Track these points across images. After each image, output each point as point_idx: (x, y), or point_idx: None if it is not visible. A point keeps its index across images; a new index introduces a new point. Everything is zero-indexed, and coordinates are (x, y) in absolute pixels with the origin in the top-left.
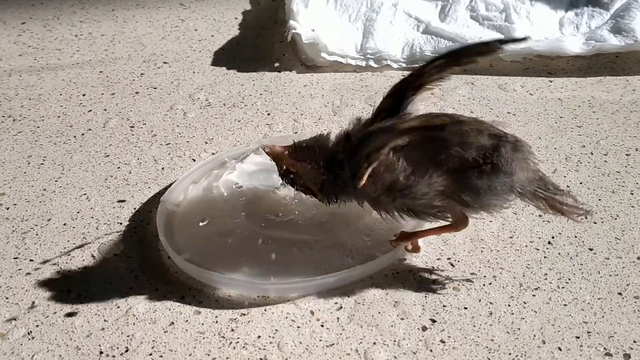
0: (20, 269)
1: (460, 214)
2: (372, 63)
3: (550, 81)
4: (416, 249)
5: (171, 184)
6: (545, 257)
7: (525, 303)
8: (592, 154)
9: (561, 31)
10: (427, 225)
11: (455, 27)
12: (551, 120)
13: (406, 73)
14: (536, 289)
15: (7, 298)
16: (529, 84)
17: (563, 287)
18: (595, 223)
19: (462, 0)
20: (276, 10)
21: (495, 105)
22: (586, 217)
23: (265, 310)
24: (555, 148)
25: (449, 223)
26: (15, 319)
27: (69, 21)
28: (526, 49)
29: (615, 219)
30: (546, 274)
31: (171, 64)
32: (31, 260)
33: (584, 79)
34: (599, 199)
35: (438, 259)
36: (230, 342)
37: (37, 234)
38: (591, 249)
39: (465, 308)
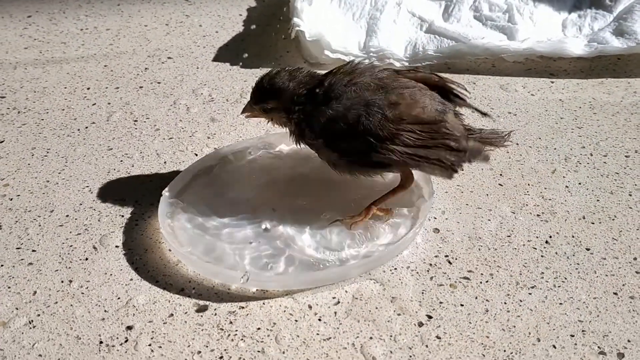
0: (22, 259)
1: (408, 171)
2: (375, 61)
3: (552, 82)
4: (386, 212)
5: (173, 178)
6: (542, 256)
7: (521, 301)
8: (591, 155)
9: (564, 32)
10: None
11: (458, 27)
12: (552, 121)
13: None
14: (532, 287)
15: (9, 287)
16: (530, 85)
17: (559, 286)
18: (592, 223)
19: (465, 0)
20: (280, 8)
21: (496, 105)
22: (509, 139)
23: (263, 303)
24: (555, 148)
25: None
26: (17, 308)
27: (74, 15)
28: (528, 49)
29: (613, 219)
30: (543, 272)
31: (175, 59)
32: (33, 250)
33: (585, 80)
34: (597, 200)
35: (436, 256)
36: (229, 335)
37: (39, 225)
38: (588, 249)
39: (462, 305)
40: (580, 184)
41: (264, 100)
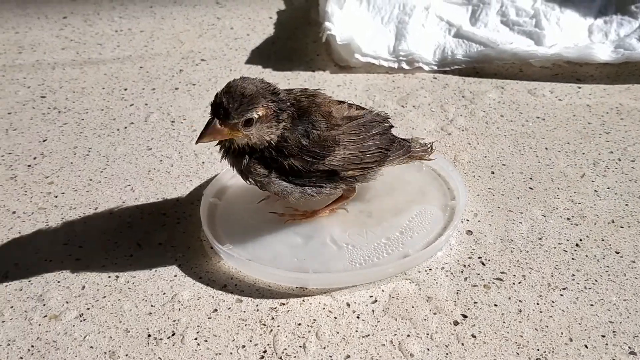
0: (70, 255)
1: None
2: (404, 65)
3: (579, 87)
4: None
5: (212, 178)
6: (572, 258)
7: (553, 302)
8: (619, 160)
9: (590, 38)
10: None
11: (486, 32)
12: (579, 126)
13: (438, 75)
14: (564, 289)
15: (58, 282)
16: (557, 90)
17: (590, 288)
18: (622, 227)
19: (492, 5)
20: (309, 11)
21: (524, 109)
22: (432, 150)
23: (303, 300)
24: (583, 153)
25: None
26: (67, 302)
27: (108, 17)
28: (556, 55)
29: None
30: (574, 275)
31: (209, 62)
32: (80, 246)
33: (612, 86)
34: (626, 204)
35: (469, 258)
36: (271, 330)
37: (85, 222)
38: (617, 252)
39: (496, 305)
40: (609, 188)
41: (253, 109)
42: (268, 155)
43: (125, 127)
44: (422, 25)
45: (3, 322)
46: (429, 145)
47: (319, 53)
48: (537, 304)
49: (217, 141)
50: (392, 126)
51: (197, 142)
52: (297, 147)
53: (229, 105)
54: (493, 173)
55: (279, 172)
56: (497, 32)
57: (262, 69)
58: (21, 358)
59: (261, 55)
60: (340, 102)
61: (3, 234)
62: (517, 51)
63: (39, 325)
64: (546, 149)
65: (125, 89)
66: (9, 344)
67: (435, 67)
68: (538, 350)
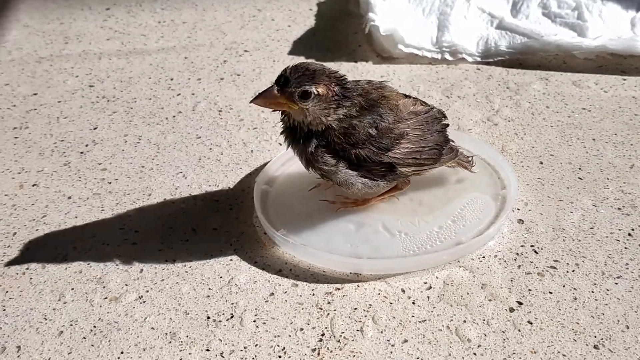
0: (126, 239)
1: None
2: (447, 56)
3: (624, 79)
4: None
5: (262, 165)
6: (625, 247)
7: (608, 290)
8: None
9: (633, 31)
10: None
11: (528, 24)
12: (626, 118)
13: (481, 67)
14: (618, 277)
15: (117, 265)
16: (602, 82)
17: None
18: None
19: None
20: (348, 3)
21: (570, 101)
22: (473, 164)
23: (358, 286)
24: (631, 144)
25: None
26: (127, 284)
27: (151, 8)
28: (600, 46)
29: None
30: (627, 263)
31: (252, 53)
32: (136, 231)
33: None
34: None
35: (522, 246)
36: (328, 314)
37: (139, 207)
38: None
39: (550, 292)
40: None
41: (311, 81)
42: (337, 141)
43: (174, 116)
44: (464, 16)
45: (65, 303)
46: (470, 158)
47: (360, 44)
48: (592, 292)
49: (272, 110)
50: (448, 124)
51: (250, 102)
52: (365, 137)
53: (290, 75)
54: (541, 163)
55: (345, 161)
56: (539, 24)
57: (304, 60)
58: (84, 338)
59: (303, 46)
60: (406, 96)
61: (60, 218)
62: (562, 43)
63: (100, 306)
64: (593, 140)
65: (172, 79)
66: (71, 324)
67: (478, 58)
68: (595, 337)
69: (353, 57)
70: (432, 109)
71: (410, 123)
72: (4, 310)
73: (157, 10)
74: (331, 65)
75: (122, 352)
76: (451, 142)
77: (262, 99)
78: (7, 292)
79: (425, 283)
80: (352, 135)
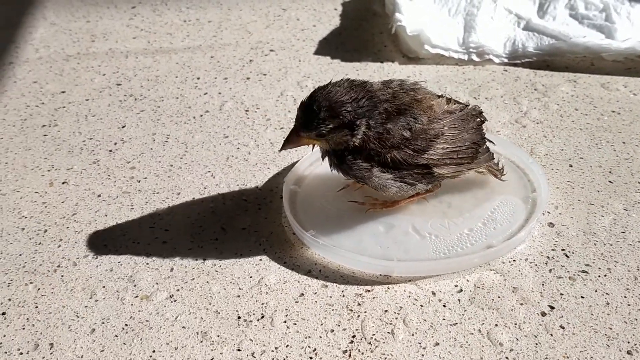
0: (157, 237)
1: None
2: (474, 57)
3: None
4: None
5: (289, 166)
6: None
7: None
8: None
9: None
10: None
11: (555, 25)
12: None
13: (508, 68)
14: None
15: (147, 264)
16: (631, 84)
17: None
18: None
19: None
20: (372, 3)
21: (598, 103)
22: (504, 172)
23: (388, 288)
24: None
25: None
26: (157, 283)
27: (176, 7)
28: (630, 49)
29: None
30: None
31: (277, 52)
32: (166, 230)
33: None
34: None
35: (553, 250)
36: (359, 315)
37: (169, 206)
38: None
39: (582, 297)
40: None
41: (323, 122)
42: (372, 146)
43: (201, 115)
44: (491, 17)
45: (96, 301)
46: (502, 167)
47: (386, 44)
48: (625, 297)
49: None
50: (484, 120)
51: (280, 150)
52: (400, 140)
53: (303, 119)
54: (571, 166)
55: (380, 165)
56: (566, 25)
57: (330, 60)
58: (116, 336)
59: (329, 46)
60: (440, 96)
61: (90, 216)
62: (590, 45)
63: (131, 305)
64: (624, 143)
65: (198, 78)
66: (103, 322)
67: (506, 60)
68: (628, 342)
69: (379, 58)
70: (467, 106)
71: (445, 122)
72: (37, 307)
73: (182, 9)
74: (357, 66)
75: (153, 351)
76: (487, 141)
77: (290, 144)
78: (39, 289)
79: (456, 286)
80: (387, 140)
